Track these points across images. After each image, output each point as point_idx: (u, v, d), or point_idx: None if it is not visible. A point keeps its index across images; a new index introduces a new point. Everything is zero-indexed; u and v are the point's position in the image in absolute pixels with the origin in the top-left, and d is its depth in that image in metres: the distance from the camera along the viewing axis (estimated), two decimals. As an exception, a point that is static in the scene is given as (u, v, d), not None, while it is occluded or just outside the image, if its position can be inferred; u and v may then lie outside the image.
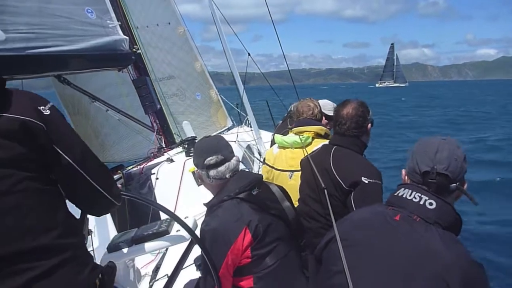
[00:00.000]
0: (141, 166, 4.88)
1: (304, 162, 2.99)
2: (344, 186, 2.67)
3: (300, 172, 3.13)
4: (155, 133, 5.47)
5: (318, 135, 3.30)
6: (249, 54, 6.11)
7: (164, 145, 5.58)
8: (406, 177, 1.77)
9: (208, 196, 2.42)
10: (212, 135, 2.83)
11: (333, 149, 2.83)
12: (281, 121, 5.45)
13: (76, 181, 1.67)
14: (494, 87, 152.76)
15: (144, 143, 5.76)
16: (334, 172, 2.72)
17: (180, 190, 4.20)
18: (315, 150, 3.02)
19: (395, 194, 1.71)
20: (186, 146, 4.79)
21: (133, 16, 6.32)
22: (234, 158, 2.36)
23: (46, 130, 1.54)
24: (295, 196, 3.04)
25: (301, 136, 3.25)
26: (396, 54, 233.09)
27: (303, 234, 2.54)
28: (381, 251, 1.58)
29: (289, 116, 5.29)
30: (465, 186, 1.72)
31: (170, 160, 4.72)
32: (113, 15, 4.77)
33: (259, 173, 2.76)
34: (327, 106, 3.76)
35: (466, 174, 1.72)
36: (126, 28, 5.15)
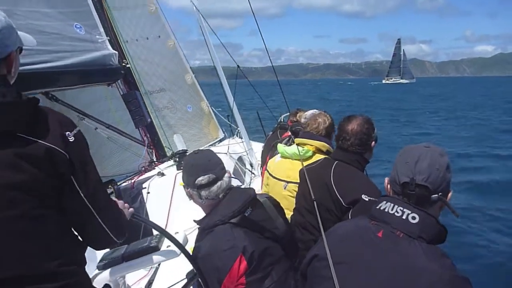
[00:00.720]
0: (132, 181, 4.86)
1: (303, 174, 2.99)
2: (343, 203, 2.65)
3: (294, 185, 3.14)
4: (146, 147, 5.45)
5: (319, 151, 3.28)
6: (238, 66, 6.11)
7: (155, 159, 5.56)
8: (388, 187, 1.74)
9: (200, 210, 2.38)
10: (202, 149, 2.76)
11: (335, 164, 2.81)
12: (271, 132, 5.47)
13: (83, 215, 1.65)
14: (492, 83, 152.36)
15: (134, 157, 5.73)
16: (334, 188, 2.70)
17: (171, 204, 4.18)
18: (316, 162, 3.02)
19: (377, 207, 1.67)
20: (177, 159, 4.78)
21: (122, 30, 6.33)
22: (226, 175, 2.26)
23: (69, 159, 1.55)
24: (287, 206, 3.05)
25: (300, 148, 3.25)
26: (403, 50, 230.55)
27: (297, 253, 2.49)
28: (365, 270, 1.55)
29: (280, 127, 5.32)
30: (450, 195, 1.66)
31: (161, 174, 4.71)
32: (101, 30, 4.78)
33: (251, 187, 2.74)
34: (307, 116, 3.80)
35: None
36: (115, 43, 5.16)
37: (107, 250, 2.92)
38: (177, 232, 2.24)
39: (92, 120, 4.91)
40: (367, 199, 2.55)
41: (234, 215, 2.12)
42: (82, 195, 1.60)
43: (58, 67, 4.01)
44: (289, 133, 4.25)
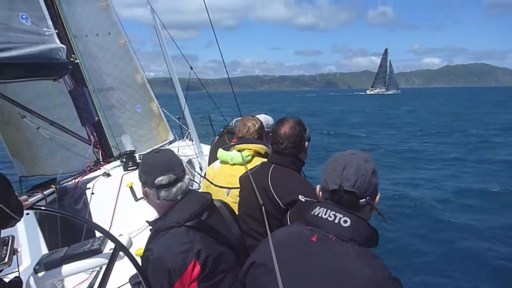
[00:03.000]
0: (76, 180, 4.70)
1: (243, 179, 2.99)
2: (281, 204, 2.69)
3: (237, 190, 3.13)
4: (91, 146, 5.29)
5: (258, 154, 3.31)
6: (191, 68, 6.06)
7: (101, 159, 5.40)
8: (320, 194, 1.78)
9: (146, 212, 2.31)
10: (163, 149, 2.67)
11: (272, 167, 2.85)
12: (217, 137, 5.42)
13: None
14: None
15: (79, 156, 5.54)
16: (272, 190, 2.74)
17: (116, 205, 4.07)
18: (254, 168, 3.03)
19: (312, 213, 1.70)
20: (124, 160, 4.66)
21: (71, 24, 6.12)
22: (186, 177, 2.19)
23: None
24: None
25: (243, 153, 3.26)
26: (389, 60, 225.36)
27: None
28: (299, 275, 1.58)
29: (227, 131, 5.26)
30: (377, 198, 1.72)
31: (107, 175, 4.57)
32: (50, 22, 4.60)
33: (208, 192, 2.71)
34: (264, 122, 3.81)
35: None
36: (63, 37, 4.99)
37: (46, 252, 2.79)
38: (121, 235, 2.16)
39: (35, 116, 4.71)
40: (303, 200, 2.59)
41: (190, 218, 2.07)
42: None
43: (2, 59, 3.82)
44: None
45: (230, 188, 3.24)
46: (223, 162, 3.39)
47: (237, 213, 2.93)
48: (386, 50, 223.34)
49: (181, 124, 7.79)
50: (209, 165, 4.55)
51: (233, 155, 3.31)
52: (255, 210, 2.77)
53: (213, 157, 4.93)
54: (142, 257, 2.10)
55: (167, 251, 1.99)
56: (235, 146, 3.40)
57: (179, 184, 2.12)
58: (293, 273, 1.58)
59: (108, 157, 5.47)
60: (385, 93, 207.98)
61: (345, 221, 1.60)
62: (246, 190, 2.89)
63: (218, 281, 2.07)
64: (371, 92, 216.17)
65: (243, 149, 3.31)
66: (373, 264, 1.54)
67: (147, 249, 2.09)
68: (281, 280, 1.56)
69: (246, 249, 2.47)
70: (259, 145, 3.33)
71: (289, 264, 1.61)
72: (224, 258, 2.13)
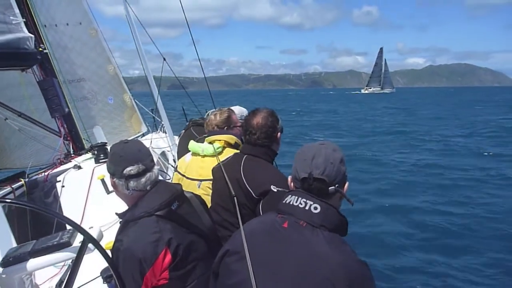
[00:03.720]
0: (46, 173, 4.59)
1: (216, 171, 2.99)
2: (253, 195, 2.70)
3: (208, 182, 3.13)
4: (62, 138, 5.18)
5: (228, 144, 3.31)
6: (164, 59, 5.99)
7: (72, 151, 5.30)
8: (292, 184, 1.83)
9: (119, 205, 2.28)
10: (132, 139, 2.64)
11: (244, 158, 2.86)
12: (183, 130, 5.38)
13: None
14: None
15: (49, 148, 5.42)
16: (244, 181, 2.74)
17: (88, 198, 4.00)
18: (226, 159, 3.03)
19: (284, 201, 1.75)
20: (95, 152, 4.58)
21: (40, 13, 5.97)
22: (155, 167, 2.18)
23: None
24: None
25: (214, 145, 3.25)
26: (385, 59, 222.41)
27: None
28: (271, 261, 1.61)
29: (193, 123, 5.23)
30: (346, 186, 1.78)
31: (78, 167, 4.49)
32: (17, 11, 4.47)
33: (178, 183, 2.68)
34: (238, 114, 3.81)
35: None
36: (31, 26, 4.85)
37: (13, 246, 2.72)
38: (92, 227, 2.13)
39: (3, 107, 4.57)
40: (275, 190, 2.62)
41: (160, 207, 2.07)
42: None
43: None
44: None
45: (201, 180, 3.23)
46: (194, 154, 3.38)
47: (209, 204, 2.93)
48: (381, 49, 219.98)
49: (154, 116, 7.72)
50: (178, 158, 4.52)
51: (204, 146, 3.30)
52: (227, 201, 2.77)
53: (181, 150, 4.90)
54: (112, 249, 2.07)
55: (137, 241, 1.98)
56: (206, 138, 3.38)
57: (148, 174, 2.12)
58: (266, 259, 1.62)
59: (79, 150, 5.37)
60: (380, 92, 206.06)
61: (315, 208, 1.66)
62: (219, 181, 2.89)
63: (189, 270, 2.08)
64: (366, 91, 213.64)
65: (214, 140, 3.30)
66: (343, 249, 1.60)
67: (117, 240, 2.07)
68: (254, 266, 1.60)
69: (218, 239, 2.48)
70: (229, 135, 3.33)
71: (262, 251, 1.65)
72: (195, 246, 2.14)
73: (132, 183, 2.09)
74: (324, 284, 1.50)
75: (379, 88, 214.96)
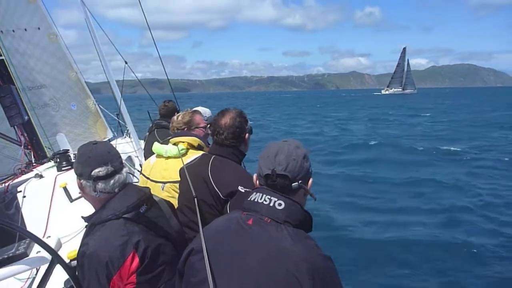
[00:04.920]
0: (7, 184, 4.45)
1: (182, 172, 2.96)
2: (221, 195, 2.68)
3: (171, 184, 3.12)
4: (22, 147, 5.03)
5: (192, 146, 3.30)
6: (126, 63, 5.87)
7: (33, 160, 5.15)
8: (257, 182, 1.85)
9: (83, 213, 2.21)
10: (101, 141, 2.56)
11: (212, 158, 2.83)
12: (147, 133, 5.32)
13: None
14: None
15: (10, 158, 5.24)
16: (212, 181, 2.72)
17: (51, 208, 3.89)
18: (194, 160, 3.00)
19: (249, 199, 1.77)
20: (57, 160, 4.45)
21: (-5, 19, 5.78)
22: (124, 169, 2.14)
23: None
24: None
25: (178, 146, 3.24)
26: (407, 59, 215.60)
27: None
28: (236, 257, 1.62)
29: (156, 126, 5.18)
30: (310, 182, 1.81)
31: (39, 176, 4.36)
32: (-32, 17, 4.31)
33: (147, 186, 2.63)
34: (202, 114, 3.82)
35: None
36: (-15, 32, 4.69)
37: None
38: (49, 236, 2.06)
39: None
40: (243, 190, 2.61)
41: (128, 210, 2.03)
42: None
43: None
44: None
45: (164, 183, 3.20)
46: (159, 156, 3.34)
47: (176, 206, 2.90)
48: (404, 49, 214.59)
49: (119, 120, 7.58)
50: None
51: (168, 148, 3.28)
52: (192, 202, 2.75)
53: (147, 154, 4.84)
54: (78, 253, 2.01)
55: (104, 244, 1.93)
56: (171, 139, 3.36)
57: (117, 177, 2.07)
58: (231, 256, 1.63)
59: (41, 158, 5.22)
60: (402, 92, 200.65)
61: (280, 204, 1.68)
62: (184, 183, 2.86)
63: (157, 274, 2.04)
64: (387, 92, 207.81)
65: (178, 142, 3.29)
66: (306, 243, 1.62)
67: (83, 244, 2.01)
68: (219, 264, 1.62)
69: (186, 243, 2.45)
70: (192, 137, 3.33)
71: (227, 248, 1.66)
72: (163, 250, 2.10)
73: (100, 185, 2.03)
74: (288, 279, 1.52)
75: (400, 89, 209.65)
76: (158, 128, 5.15)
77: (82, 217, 2.12)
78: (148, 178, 3.35)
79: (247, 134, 2.87)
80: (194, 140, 3.31)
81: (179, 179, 2.97)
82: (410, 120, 42.27)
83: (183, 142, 3.28)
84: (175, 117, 3.50)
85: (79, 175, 2.07)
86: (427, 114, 50.92)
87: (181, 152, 3.19)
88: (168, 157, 3.25)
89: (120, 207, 2.02)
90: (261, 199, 1.72)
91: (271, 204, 1.68)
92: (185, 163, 2.99)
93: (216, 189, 2.69)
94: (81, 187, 2.09)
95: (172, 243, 2.20)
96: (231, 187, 2.66)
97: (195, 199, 2.56)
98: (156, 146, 3.37)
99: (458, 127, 33.51)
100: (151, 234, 2.08)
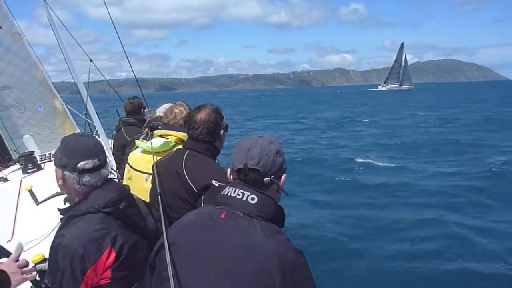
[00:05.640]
0: (-30, 189, 4.31)
1: (153, 167, 2.95)
2: (195, 189, 2.68)
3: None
4: (-15, 150, 4.89)
5: (182, 141, 3.25)
6: (91, 60, 5.77)
7: (-2, 164, 5.02)
8: (231, 177, 1.85)
9: (49, 215, 2.16)
10: (86, 134, 2.51)
11: (186, 153, 2.83)
12: (115, 131, 5.25)
13: None
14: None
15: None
16: (186, 175, 2.72)
17: (17, 211, 3.79)
18: (168, 154, 3.00)
19: (222, 193, 1.77)
20: (22, 162, 4.34)
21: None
22: (108, 165, 2.14)
23: None
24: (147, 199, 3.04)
25: (163, 139, 3.22)
26: (405, 55, 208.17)
27: None
28: (207, 251, 1.62)
29: (123, 123, 5.12)
30: (283, 178, 1.83)
31: (4, 180, 4.25)
32: None
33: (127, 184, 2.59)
34: (161, 110, 3.80)
35: None
36: None
37: None
38: (10, 240, 2.01)
39: None
40: (217, 185, 2.61)
41: (108, 205, 2.02)
42: None
43: None
44: (147, 129, 4.14)
45: (149, 174, 3.19)
46: (145, 152, 3.33)
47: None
48: (402, 44, 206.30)
49: (87, 120, 7.42)
50: (115, 161, 4.41)
51: (154, 142, 3.24)
52: (165, 198, 2.73)
53: (115, 152, 4.76)
54: (52, 245, 1.98)
55: (81, 237, 1.90)
56: (158, 131, 3.34)
57: (102, 171, 2.07)
58: (202, 250, 1.63)
59: (6, 161, 5.08)
60: (399, 88, 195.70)
61: (253, 199, 1.69)
62: (158, 179, 2.85)
63: (132, 272, 2.03)
64: (384, 88, 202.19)
65: (166, 135, 3.27)
66: (278, 237, 1.63)
67: (58, 235, 1.98)
68: (189, 257, 1.62)
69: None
70: (184, 133, 3.27)
71: (198, 241, 1.66)
72: (140, 247, 2.10)
73: (86, 178, 2.02)
74: (259, 272, 1.52)
75: (397, 85, 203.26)
76: (125, 126, 5.10)
77: (59, 209, 2.11)
78: (132, 167, 3.36)
79: (222, 131, 2.88)
80: (185, 136, 3.24)
81: None
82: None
83: (174, 136, 3.26)
84: (174, 110, 3.41)
85: (63, 166, 2.03)
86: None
87: (169, 145, 3.19)
88: (156, 151, 3.21)
89: (100, 201, 2.01)
90: (234, 193, 1.72)
91: (244, 198, 1.69)
92: (160, 159, 2.98)
93: (190, 183, 2.69)
94: (63, 178, 2.05)
95: (147, 241, 2.19)
96: (205, 181, 2.66)
97: (159, 196, 2.54)
98: (139, 144, 3.37)
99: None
100: (129, 230, 2.08)
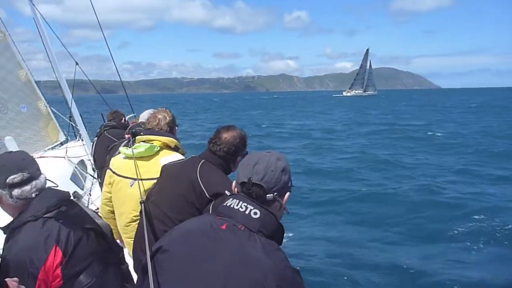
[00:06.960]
0: None
1: (168, 168, 3.00)
2: (207, 194, 2.73)
3: (142, 182, 3.10)
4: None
5: (167, 146, 3.30)
6: (76, 63, 5.70)
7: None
8: (235, 189, 1.85)
9: (7, 221, 2.13)
10: (14, 150, 2.49)
11: (202, 162, 2.90)
12: (96, 137, 5.21)
13: None
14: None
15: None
16: (199, 179, 2.77)
17: None
18: (181, 160, 3.07)
19: (224, 204, 1.77)
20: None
21: None
22: (42, 176, 2.14)
23: None
24: (133, 205, 3.09)
25: (147, 144, 3.21)
26: (370, 61, 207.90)
27: (122, 249, 2.44)
28: (204, 261, 1.61)
29: (105, 128, 5.10)
30: (286, 196, 1.81)
31: None
32: None
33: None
34: (144, 116, 3.77)
35: None
36: None
37: None
38: None
39: None
40: (229, 194, 2.62)
41: (48, 210, 2.03)
42: None
43: None
44: (129, 135, 4.10)
45: (134, 179, 3.16)
46: (128, 157, 3.29)
47: (148, 201, 2.91)
48: (367, 50, 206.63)
49: (71, 123, 7.32)
50: (96, 165, 4.33)
51: (137, 151, 3.22)
52: (171, 197, 2.81)
53: (98, 157, 4.69)
54: (1, 260, 1.94)
55: (25, 244, 1.92)
56: (141, 136, 3.33)
57: (34, 182, 2.07)
58: (199, 258, 1.62)
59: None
60: (363, 94, 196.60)
61: (255, 213, 1.68)
62: (167, 180, 2.93)
63: (85, 267, 2.04)
64: (348, 94, 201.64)
65: (151, 140, 3.27)
66: (276, 255, 1.62)
67: (3, 249, 1.97)
68: (185, 265, 1.61)
69: (112, 236, 2.39)
70: (169, 138, 3.34)
71: (195, 249, 1.65)
72: (87, 241, 2.09)
73: (16, 192, 2.02)
74: (255, 287, 1.51)
75: (361, 91, 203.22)
76: (108, 129, 5.08)
77: (0, 227, 2.08)
78: (115, 173, 3.34)
79: (239, 158, 2.93)
80: (171, 141, 3.34)
81: (153, 176, 3.04)
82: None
83: (160, 141, 3.27)
84: (157, 116, 3.44)
85: None
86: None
87: (154, 150, 3.21)
88: (141, 156, 3.22)
89: (40, 208, 2.02)
90: (237, 205, 1.71)
91: (247, 212, 1.68)
92: (160, 162, 3.08)
93: (203, 187, 2.76)
94: None
95: (96, 235, 2.18)
96: (217, 188, 2.72)
97: (142, 204, 2.59)
98: (124, 150, 3.35)
99: None
100: (73, 227, 2.07)
